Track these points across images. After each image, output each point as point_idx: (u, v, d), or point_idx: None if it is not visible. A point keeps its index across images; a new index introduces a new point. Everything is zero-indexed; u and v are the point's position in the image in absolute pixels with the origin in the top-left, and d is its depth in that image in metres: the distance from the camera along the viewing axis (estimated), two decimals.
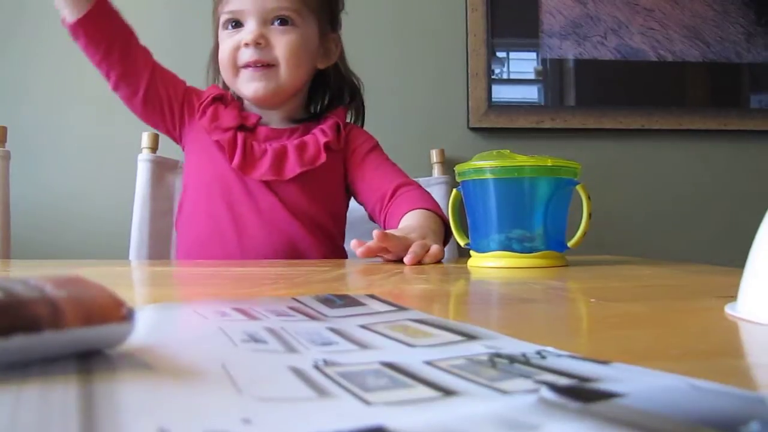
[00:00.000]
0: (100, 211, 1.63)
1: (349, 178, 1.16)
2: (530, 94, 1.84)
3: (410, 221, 0.99)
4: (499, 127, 1.78)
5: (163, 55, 1.16)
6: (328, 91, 1.23)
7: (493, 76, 1.81)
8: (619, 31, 1.87)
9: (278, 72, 1.09)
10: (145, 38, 1.13)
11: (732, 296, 0.40)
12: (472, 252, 0.80)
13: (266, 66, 1.08)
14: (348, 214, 1.21)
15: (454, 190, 0.83)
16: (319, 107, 1.22)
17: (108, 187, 1.64)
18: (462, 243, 0.83)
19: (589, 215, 0.78)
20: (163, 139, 1.42)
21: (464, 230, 0.84)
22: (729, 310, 0.39)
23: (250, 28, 1.07)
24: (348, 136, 1.16)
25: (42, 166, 1.65)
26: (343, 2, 1.22)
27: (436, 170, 1.63)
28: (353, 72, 1.24)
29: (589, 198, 0.78)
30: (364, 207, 1.17)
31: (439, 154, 1.66)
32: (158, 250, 1.35)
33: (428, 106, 1.75)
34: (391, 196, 1.09)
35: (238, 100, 1.17)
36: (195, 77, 1.22)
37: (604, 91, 1.86)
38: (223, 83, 1.18)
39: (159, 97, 1.13)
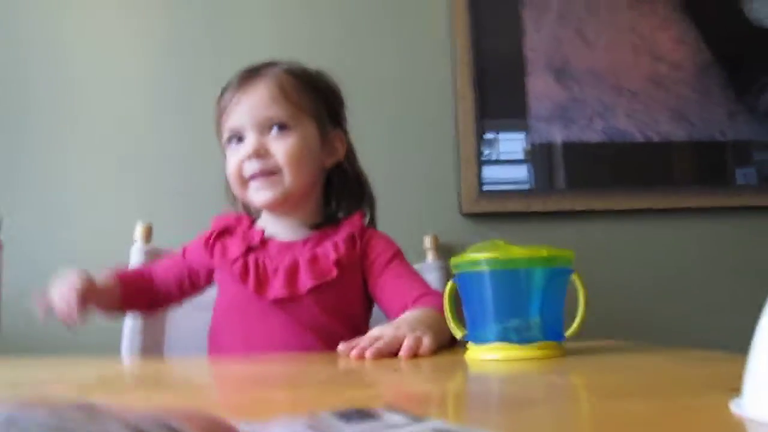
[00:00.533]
0: None
1: (369, 287, 1.15)
2: (520, 174, 1.86)
3: (406, 314, 0.98)
4: (491, 211, 1.80)
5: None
6: (342, 190, 1.24)
7: (482, 158, 1.83)
8: (605, 114, 1.91)
9: (282, 178, 1.11)
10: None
11: (736, 389, 0.40)
12: (469, 344, 0.80)
13: (271, 174, 1.11)
14: None
15: (450, 282, 0.83)
16: (334, 206, 1.24)
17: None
18: (459, 335, 0.82)
19: (586, 304, 0.78)
20: (157, 229, 1.43)
21: (461, 322, 0.83)
22: (734, 407, 0.38)
23: (250, 141, 1.11)
24: (366, 246, 1.16)
25: (34, 254, 1.64)
26: (344, 99, 1.24)
27: (430, 256, 1.64)
28: (361, 169, 1.26)
29: (584, 287, 0.78)
30: (386, 316, 1.15)
31: (432, 240, 1.66)
32: (151, 341, 1.34)
33: (420, 191, 1.77)
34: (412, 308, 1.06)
35: (254, 213, 1.21)
36: None
37: (592, 172, 1.88)
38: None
39: (194, 291, 1.20)
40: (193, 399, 0.52)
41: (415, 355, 0.81)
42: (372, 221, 1.24)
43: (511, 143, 1.88)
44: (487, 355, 0.76)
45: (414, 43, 1.85)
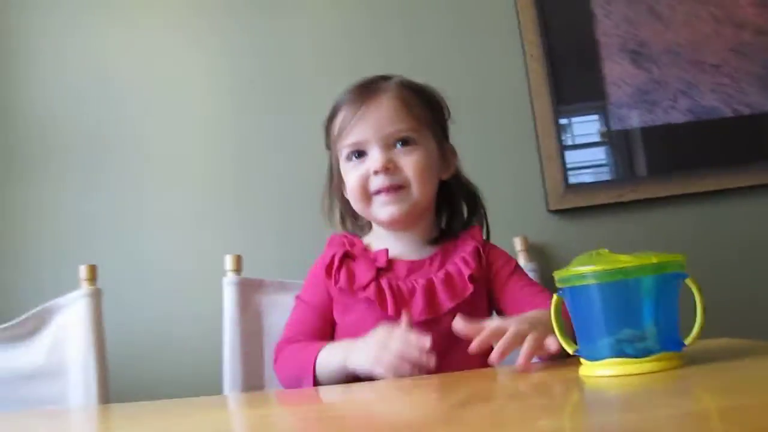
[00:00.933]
0: (191, 336, 1.64)
1: (494, 298, 1.15)
2: (599, 157, 1.80)
3: (530, 313, 0.98)
4: (579, 206, 1.74)
5: None
6: (454, 203, 1.23)
7: (564, 151, 1.78)
8: (689, 92, 1.82)
9: (410, 192, 1.10)
10: None
11: None
12: (582, 360, 0.76)
13: (398, 188, 1.10)
14: None
15: (555, 296, 0.79)
16: (447, 221, 1.23)
17: (197, 312, 1.65)
18: (570, 351, 0.78)
19: (704, 309, 0.73)
20: (248, 259, 1.44)
21: (570, 337, 0.79)
22: None
23: (376, 156, 1.10)
24: (488, 258, 1.15)
25: (131, 300, 1.68)
26: (450, 111, 1.23)
27: (521, 258, 1.60)
28: (470, 181, 1.25)
29: (700, 291, 0.73)
30: None
31: (522, 242, 1.63)
32: (251, 372, 1.35)
33: (504, 193, 1.71)
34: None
35: (366, 227, 1.21)
36: None
37: (679, 155, 1.80)
38: (341, 216, 1.23)
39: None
40: None
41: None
42: (487, 232, 1.23)
43: (589, 126, 1.82)
44: (602, 371, 0.72)
45: (483, 44, 1.81)
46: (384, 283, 1.08)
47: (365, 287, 1.09)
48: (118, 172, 1.75)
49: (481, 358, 0.89)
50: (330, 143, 1.20)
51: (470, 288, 1.08)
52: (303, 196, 1.58)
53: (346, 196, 1.20)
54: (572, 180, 1.76)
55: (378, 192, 1.10)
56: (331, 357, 1.02)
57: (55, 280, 1.63)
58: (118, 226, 1.73)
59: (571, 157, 1.78)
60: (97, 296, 1.38)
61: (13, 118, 1.78)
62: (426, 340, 0.90)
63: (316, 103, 1.31)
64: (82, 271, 1.41)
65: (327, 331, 1.14)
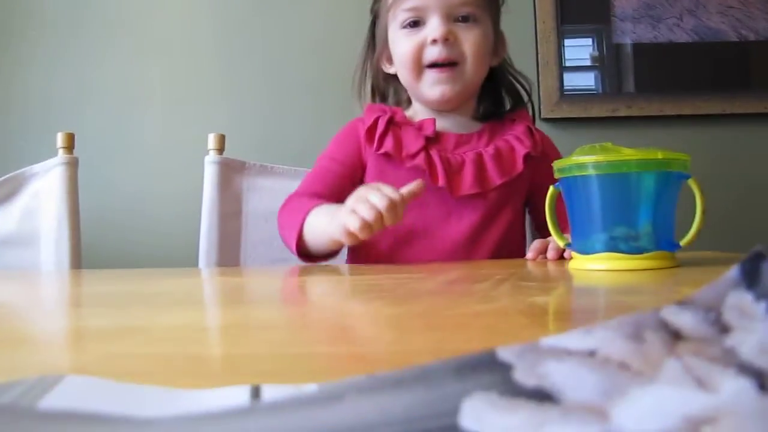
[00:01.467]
0: (168, 214, 1.62)
1: (532, 187, 1.11)
2: (599, 80, 1.76)
3: None
4: (573, 117, 1.71)
5: None
6: (502, 89, 1.18)
7: (564, 64, 1.74)
8: (696, 12, 1.77)
9: (464, 70, 1.05)
10: None
11: None
12: (573, 253, 0.74)
13: (451, 66, 1.04)
14: None
15: (552, 187, 0.77)
16: (491, 106, 1.18)
17: (176, 190, 1.63)
18: (562, 244, 0.77)
19: (704, 211, 0.71)
20: (231, 140, 1.40)
21: (563, 230, 0.78)
22: None
23: (435, 25, 1.03)
24: (544, 147, 1.11)
25: (109, 171, 1.64)
26: None
27: None
28: (519, 71, 1.19)
29: (702, 193, 0.71)
30: (532, 220, 1.17)
31: None
32: (227, 253, 1.33)
33: None
34: None
35: (405, 103, 1.15)
36: None
37: (681, 75, 1.77)
38: (374, 89, 1.17)
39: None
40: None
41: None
42: (533, 119, 1.18)
43: (591, 49, 1.77)
44: (593, 266, 0.71)
45: None
46: (434, 153, 1.03)
47: (414, 156, 1.04)
48: (97, 41, 1.68)
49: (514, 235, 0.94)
50: (378, 8, 1.13)
51: (521, 166, 1.05)
52: (293, 73, 1.53)
53: (384, 69, 1.15)
54: (567, 88, 1.72)
55: (432, 66, 1.04)
56: (319, 218, 0.94)
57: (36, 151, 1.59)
58: (98, 99, 1.67)
59: (569, 69, 1.74)
60: (73, 165, 1.34)
61: None
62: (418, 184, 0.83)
63: None
64: (60, 138, 1.36)
65: (348, 192, 1.04)
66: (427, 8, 1.03)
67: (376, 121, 1.07)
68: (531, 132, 1.09)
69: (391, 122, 1.08)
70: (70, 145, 1.36)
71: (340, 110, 1.27)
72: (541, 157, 1.07)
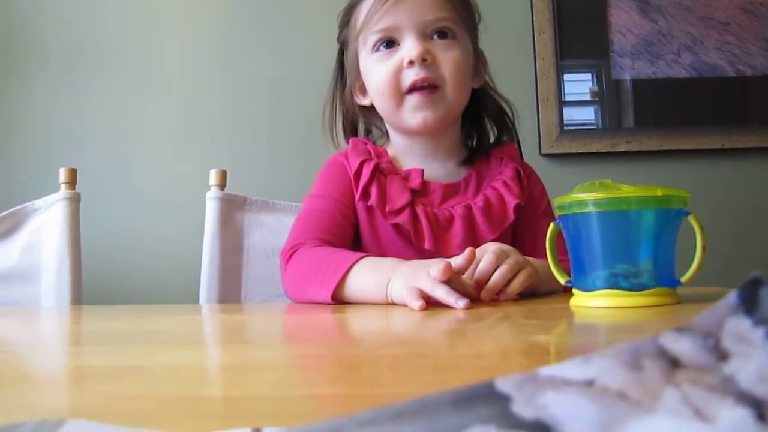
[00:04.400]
0: (169, 250, 1.62)
1: (517, 223, 1.01)
2: (599, 115, 1.78)
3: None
4: (573, 152, 1.72)
5: None
6: (481, 117, 1.10)
7: (564, 99, 1.75)
8: (694, 48, 1.79)
9: (445, 94, 0.96)
10: None
11: None
12: (574, 290, 0.74)
13: (432, 89, 0.95)
14: None
15: (552, 224, 0.77)
16: (477, 139, 1.11)
17: (177, 226, 1.63)
18: (563, 281, 0.77)
19: (704, 248, 0.71)
20: (232, 176, 1.40)
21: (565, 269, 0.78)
22: None
23: (410, 45, 0.94)
24: (529, 186, 1.04)
25: (110, 207, 1.65)
26: (480, 13, 1.08)
27: None
28: (501, 94, 1.11)
29: (702, 229, 0.71)
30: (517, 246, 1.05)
31: None
32: (228, 289, 1.32)
33: None
34: None
35: (383, 137, 1.08)
36: None
37: (680, 110, 1.78)
38: (346, 126, 1.09)
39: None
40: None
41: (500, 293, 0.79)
42: (520, 150, 1.10)
43: (590, 84, 1.79)
44: (594, 303, 0.71)
45: None
46: (420, 210, 0.95)
47: (398, 212, 0.95)
48: (98, 78, 1.70)
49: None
50: (346, 36, 1.05)
51: (511, 217, 0.97)
52: (295, 110, 1.54)
53: (358, 101, 1.07)
54: (568, 123, 1.74)
55: (411, 90, 0.95)
56: (367, 276, 0.82)
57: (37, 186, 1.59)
58: (100, 138, 1.68)
59: (569, 105, 1.76)
60: (75, 200, 1.34)
61: None
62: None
63: (308, 7, 1.25)
64: (62, 174, 1.37)
65: (350, 234, 0.98)
66: (399, 27, 0.95)
67: (361, 166, 0.99)
68: (519, 176, 1.02)
69: (377, 169, 0.99)
70: (72, 181, 1.37)
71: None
72: (530, 197, 1.03)
